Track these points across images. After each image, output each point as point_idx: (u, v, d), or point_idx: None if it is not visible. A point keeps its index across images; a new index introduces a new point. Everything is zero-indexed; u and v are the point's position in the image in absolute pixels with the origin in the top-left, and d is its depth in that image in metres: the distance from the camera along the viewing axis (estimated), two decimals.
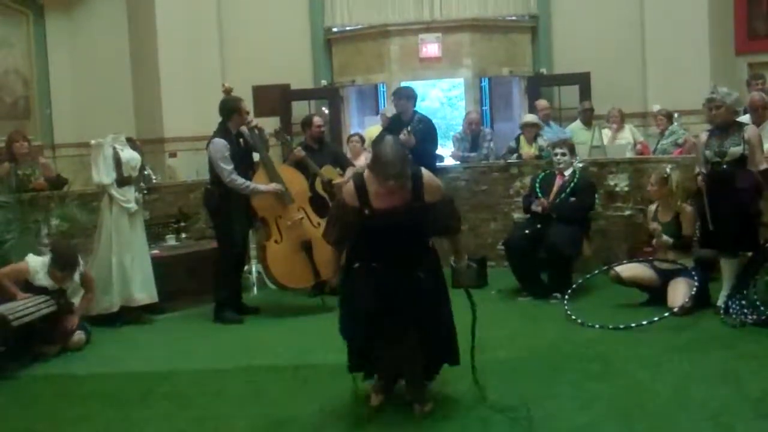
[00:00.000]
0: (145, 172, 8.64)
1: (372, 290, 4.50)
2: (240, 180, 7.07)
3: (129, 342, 6.72)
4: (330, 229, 4.67)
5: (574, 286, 7.12)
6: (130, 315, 7.26)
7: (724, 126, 6.46)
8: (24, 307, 6.07)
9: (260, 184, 7.20)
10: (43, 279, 6.45)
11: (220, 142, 7.10)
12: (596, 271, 7.35)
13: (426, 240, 4.68)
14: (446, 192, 4.80)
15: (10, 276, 6.42)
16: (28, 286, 6.43)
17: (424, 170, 4.57)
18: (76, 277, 6.65)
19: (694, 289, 6.51)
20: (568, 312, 6.59)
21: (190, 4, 11.74)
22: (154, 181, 9.27)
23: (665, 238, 6.83)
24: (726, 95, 6.44)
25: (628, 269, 7.03)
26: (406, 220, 4.43)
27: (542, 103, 10.58)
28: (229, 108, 7.24)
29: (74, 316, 6.56)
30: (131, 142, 8.11)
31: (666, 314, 6.26)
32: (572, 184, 7.57)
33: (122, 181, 7.30)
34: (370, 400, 4.75)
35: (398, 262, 4.50)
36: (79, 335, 6.51)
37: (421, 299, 4.54)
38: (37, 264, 6.50)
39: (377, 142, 4.62)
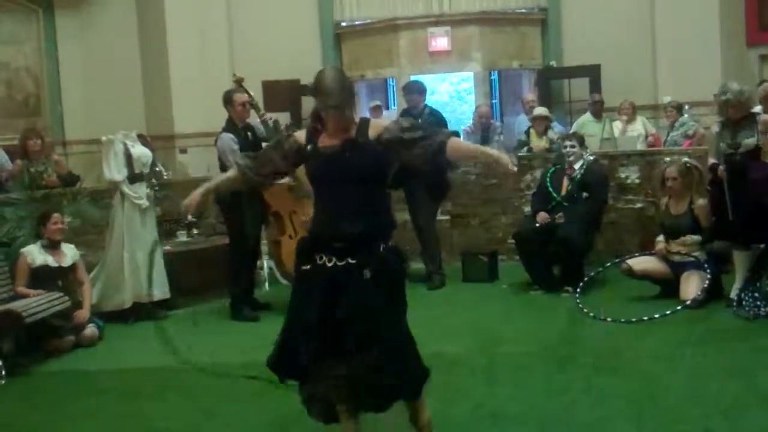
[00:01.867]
0: (157, 169, 8.65)
1: (310, 300, 3.88)
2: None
3: (140, 338, 6.74)
4: (254, 157, 4.24)
5: (585, 279, 7.10)
6: (142, 311, 7.28)
7: (737, 118, 6.43)
8: (37, 304, 6.11)
9: None
10: (39, 256, 6.59)
11: (227, 136, 7.09)
12: (608, 264, 7.34)
13: (378, 209, 3.99)
14: (395, 125, 4.05)
15: (21, 280, 6.53)
16: (31, 274, 6.53)
17: (372, 118, 4.32)
18: (69, 252, 6.75)
19: (707, 281, 6.48)
20: (580, 305, 6.58)
21: (200, 0, 11.74)
22: (165, 177, 9.28)
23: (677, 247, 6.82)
24: (739, 93, 6.36)
25: (639, 262, 7.01)
26: (348, 156, 3.88)
27: (529, 96, 10.63)
28: (224, 99, 7.25)
29: (84, 309, 6.62)
30: (142, 139, 8.13)
31: (678, 307, 6.24)
32: (581, 177, 7.54)
33: (133, 178, 7.31)
34: None
35: (346, 239, 3.83)
36: (91, 330, 6.55)
37: (367, 309, 3.79)
38: (30, 248, 6.66)
39: (319, 72, 4.14)
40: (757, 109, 7.25)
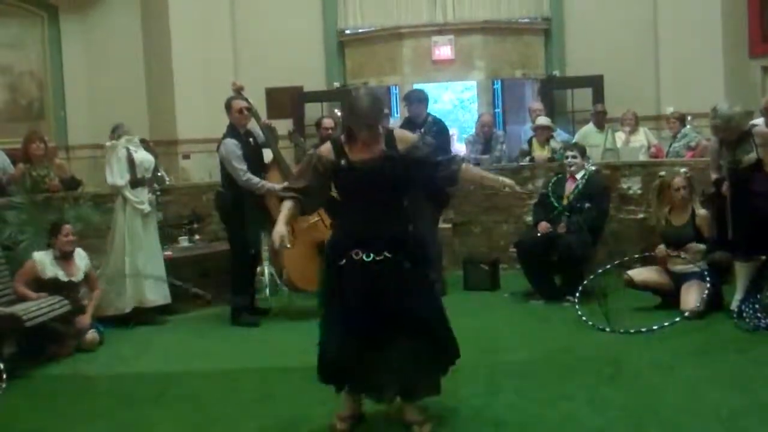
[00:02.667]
0: (159, 174, 8.67)
1: (354, 290, 4.21)
2: (255, 179, 7.07)
3: (142, 343, 6.74)
4: (297, 178, 4.46)
5: (585, 282, 7.09)
6: (143, 316, 7.28)
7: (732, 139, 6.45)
8: (37, 308, 6.12)
9: (274, 183, 7.19)
10: (51, 268, 6.56)
11: (231, 142, 7.10)
12: (608, 266, 7.32)
13: (408, 214, 4.38)
14: (420, 141, 4.54)
15: (23, 279, 6.53)
16: (39, 283, 6.50)
17: (395, 128, 4.69)
18: (82, 264, 6.74)
19: (706, 292, 6.48)
20: (579, 314, 6.57)
21: (204, 6, 11.79)
22: (167, 182, 9.30)
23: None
24: (728, 119, 6.35)
25: (640, 273, 7.01)
26: (383, 169, 4.22)
27: (536, 105, 10.65)
28: (225, 105, 7.27)
29: (86, 315, 6.62)
30: (145, 144, 8.15)
31: (677, 319, 6.22)
32: (583, 187, 7.54)
33: (136, 183, 7.33)
34: (335, 428, 4.46)
35: (380, 240, 4.20)
36: (92, 335, 6.55)
37: (410, 295, 4.22)
38: (42, 256, 6.62)
39: (352, 94, 4.45)
40: (758, 121, 7.25)
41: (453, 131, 10.49)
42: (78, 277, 6.72)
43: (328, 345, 4.36)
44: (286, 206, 4.39)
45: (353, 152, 4.28)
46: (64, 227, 6.72)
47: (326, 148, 4.39)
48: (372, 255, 4.21)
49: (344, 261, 4.25)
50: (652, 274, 7.00)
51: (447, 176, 4.38)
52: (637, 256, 7.46)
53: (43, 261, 6.59)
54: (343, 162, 4.27)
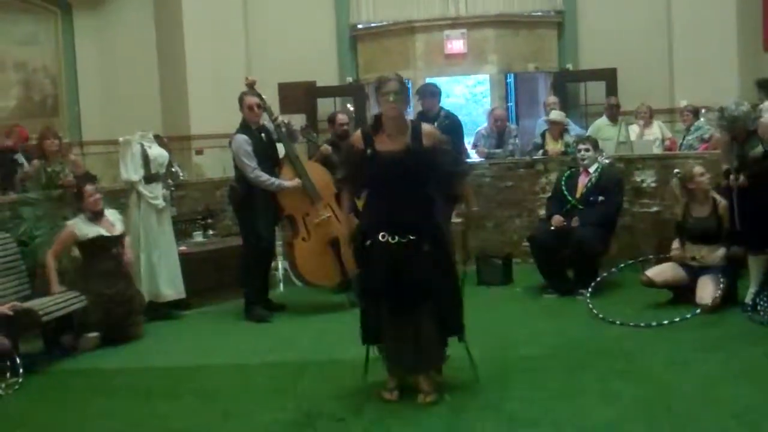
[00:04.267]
0: (173, 169, 8.69)
1: (380, 269, 4.67)
2: (264, 176, 7.09)
3: (156, 338, 6.77)
4: (342, 169, 5.03)
5: (598, 279, 7.09)
6: (157, 311, 7.32)
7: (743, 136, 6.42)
8: (53, 303, 6.17)
9: (285, 180, 7.22)
10: (91, 228, 6.62)
11: (241, 138, 7.12)
12: (621, 265, 7.31)
13: (429, 202, 4.76)
14: (446, 139, 4.93)
15: (58, 250, 6.59)
16: (84, 249, 6.62)
17: (423, 123, 4.99)
18: (115, 219, 6.85)
19: (721, 286, 6.46)
20: (591, 307, 6.56)
21: (216, 2, 11.81)
22: (181, 178, 9.33)
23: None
24: (734, 119, 6.32)
25: (659, 273, 6.87)
26: (407, 161, 4.62)
27: (551, 98, 10.63)
28: (238, 101, 7.29)
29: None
30: (159, 139, 8.18)
31: (688, 315, 6.19)
32: (596, 181, 7.53)
33: (150, 178, 7.37)
34: (384, 396, 4.81)
35: (403, 225, 4.63)
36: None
37: (429, 275, 4.66)
38: (75, 221, 6.68)
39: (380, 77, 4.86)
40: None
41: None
42: (118, 230, 6.80)
43: (367, 312, 4.87)
44: (345, 197, 5.00)
45: (380, 142, 4.68)
46: (86, 189, 6.76)
47: (357, 136, 4.80)
48: (397, 237, 4.62)
49: (370, 242, 4.69)
50: (670, 271, 6.87)
51: (452, 181, 4.89)
52: (652, 256, 7.43)
53: (78, 224, 6.63)
54: (369, 151, 4.67)
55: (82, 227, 6.61)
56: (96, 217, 6.71)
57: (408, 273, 4.62)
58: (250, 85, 7.35)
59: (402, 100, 4.70)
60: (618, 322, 6.23)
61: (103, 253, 6.63)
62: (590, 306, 6.60)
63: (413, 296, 4.65)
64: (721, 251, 6.68)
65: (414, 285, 4.63)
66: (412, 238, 4.62)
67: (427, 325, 4.71)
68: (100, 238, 6.62)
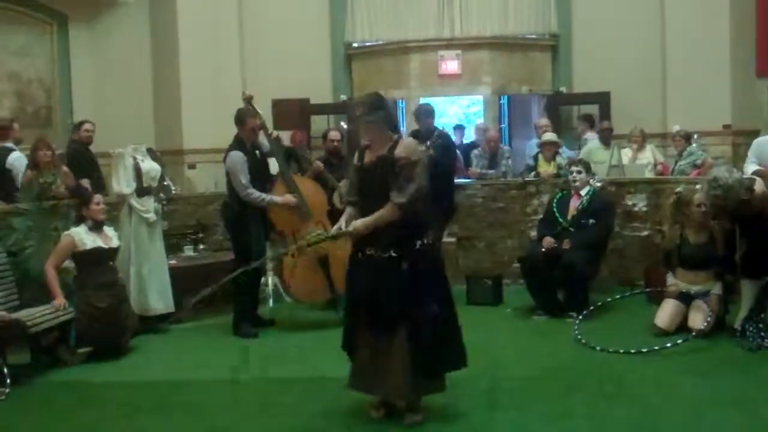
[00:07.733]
0: (165, 183, 8.68)
1: (358, 282, 4.71)
2: (256, 194, 7.08)
3: (144, 351, 6.75)
4: (347, 184, 5.10)
5: (592, 308, 7.09)
6: (146, 324, 7.29)
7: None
8: (41, 315, 6.15)
9: (277, 196, 7.21)
10: (90, 239, 6.59)
11: (237, 155, 7.10)
12: (618, 296, 7.32)
13: (412, 217, 4.58)
14: (421, 158, 4.66)
15: (57, 260, 6.55)
16: (81, 260, 6.57)
17: (408, 138, 5.10)
18: (111, 233, 6.85)
19: (711, 313, 6.45)
20: (577, 334, 6.51)
21: (212, 17, 11.85)
22: (173, 192, 9.32)
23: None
24: (729, 188, 6.01)
25: (668, 320, 6.65)
26: (377, 170, 4.62)
27: (543, 121, 10.63)
28: (237, 118, 7.23)
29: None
30: (152, 153, 8.17)
31: (679, 341, 6.16)
32: (588, 204, 7.55)
33: (142, 191, 7.37)
34: (371, 414, 4.78)
35: (382, 239, 4.57)
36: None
37: (405, 295, 4.55)
38: (77, 229, 6.64)
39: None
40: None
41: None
42: (114, 243, 6.79)
43: (347, 325, 4.86)
44: (347, 212, 4.86)
45: (367, 155, 4.75)
46: (95, 196, 6.78)
47: (359, 150, 4.86)
48: (379, 252, 4.59)
49: (354, 254, 4.77)
50: (673, 310, 6.70)
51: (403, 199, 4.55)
52: (648, 290, 7.46)
53: (80, 233, 6.60)
54: (358, 163, 4.78)
55: (83, 237, 6.59)
56: (97, 227, 6.70)
57: (382, 289, 4.55)
58: (248, 100, 7.30)
59: (374, 119, 4.66)
60: (609, 350, 6.16)
61: (98, 266, 6.61)
62: (577, 334, 6.52)
63: (386, 312, 4.55)
64: (714, 278, 6.69)
65: (387, 301, 4.53)
66: (393, 255, 4.55)
67: (399, 350, 4.54)
68: (97, 250, 6.60)
